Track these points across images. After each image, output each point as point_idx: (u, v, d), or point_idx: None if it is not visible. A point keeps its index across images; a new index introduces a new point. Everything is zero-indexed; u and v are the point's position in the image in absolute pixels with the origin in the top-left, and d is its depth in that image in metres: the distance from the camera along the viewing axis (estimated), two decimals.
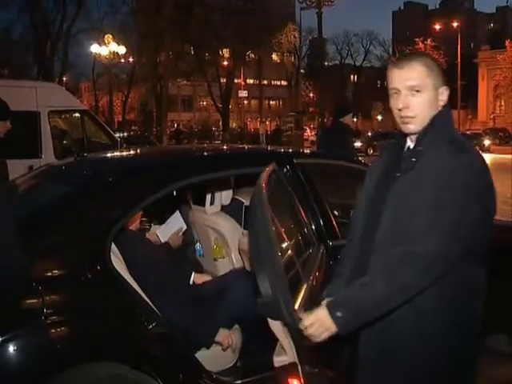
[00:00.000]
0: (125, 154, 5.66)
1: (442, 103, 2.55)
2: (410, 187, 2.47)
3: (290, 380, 3.34)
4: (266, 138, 39.57)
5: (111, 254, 3.33)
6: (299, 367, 3.17)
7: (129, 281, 3.39)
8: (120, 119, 63.34)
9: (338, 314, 2.42)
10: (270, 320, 3.21)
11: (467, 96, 70.30)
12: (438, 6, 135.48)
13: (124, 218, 3.51)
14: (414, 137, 2.59)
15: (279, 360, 3.36)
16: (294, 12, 66.16)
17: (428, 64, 2.53)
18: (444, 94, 2.56)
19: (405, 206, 2.48)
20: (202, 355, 3.72)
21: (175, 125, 70.44)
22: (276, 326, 3.22)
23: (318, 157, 4.98)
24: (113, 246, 3.42)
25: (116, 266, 3.32)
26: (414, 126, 2.54)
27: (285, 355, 3.36)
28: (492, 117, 69.36)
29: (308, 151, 5.20)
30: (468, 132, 49.58)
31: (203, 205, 4.99)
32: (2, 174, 5.31)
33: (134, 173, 3.88)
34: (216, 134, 59.05)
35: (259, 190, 3.13)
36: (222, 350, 3.90)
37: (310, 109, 75.62)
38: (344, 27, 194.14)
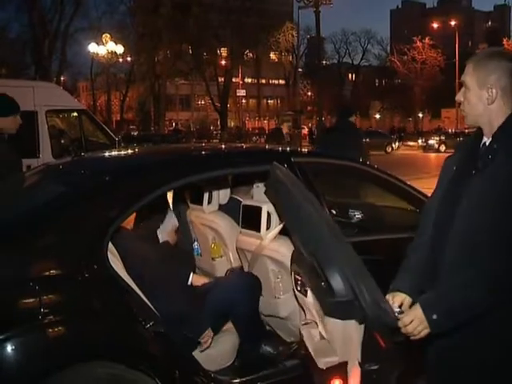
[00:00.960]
0: (122, 153, 5.65)
1: (488, 102, 2.63)
2: (485, 185, 2.54)
3: (332, 381, 3.33)
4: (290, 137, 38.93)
5: (108, 253, 3.32)
6: (355, 367, 3.16)
7: (126, 280, 3.38)
8: (118, 118, 63.25)
9: (434, 316, 2.49)
10: (329, 320, 3.19)
11: None
12: (435, 5, 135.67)
13: (121, 217, 3.50)
14: (488, 133, 2.68)
15: (328, 361, 3.36)
16: (291, 11, 66.38)
17: (478, 63, 2.66)
18: (490, 94, 2.62)
19: (481, 203, 2.53)
20: (200, 354, 3.72)
21: (173, 124, 70.41)
22: (337, 326, 3.20)
23: (315, 155, 4.97)
24: (110, 245, 3.41)
25: (113, 265, 3.31)
26: (466, 120, 2.74)
27: (335, 356, 3.35)
28: None
29: (306, 150, 5.19)
30: (467, 130, 49.54)
31: (201, 204, 4.99)
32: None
33: (131, 172, 3.87)
34: (214, 133, 59.00)
35: (302, 189, 3.12)
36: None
37: (308, 108, 75.57)
38: (342, 26, 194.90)
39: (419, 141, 46.28)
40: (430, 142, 44.97)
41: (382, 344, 2.88)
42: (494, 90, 2.61)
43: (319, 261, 2.94)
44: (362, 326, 3.05)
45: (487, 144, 2.66)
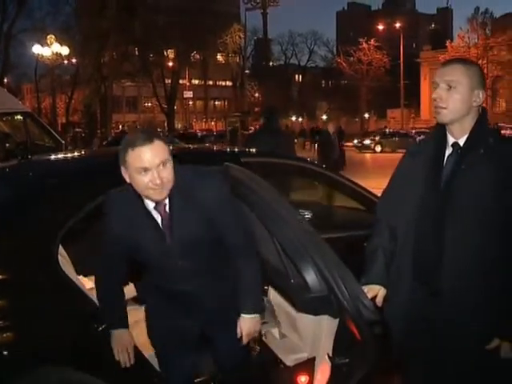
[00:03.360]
0: (69, 155, 5.59)
1: (475, 104, 2.84)
2: (487, 177, 2.70)
3: (298, 377, 3.34)
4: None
5: (59, 256, 3.29)
6: (323, 361, 3.17)
7: (77, 283, 3.35)
8: (64, 121, 62.29)
9: None
10: (300, 316, 3.18)
11: (410, 95, 71.44)
12: (380, 7, 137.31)
13: (71, 220, 3.46)
14: (460, 132, 2.85)
15: (297, 357, 3.36)
16: (238, 12, 66.50)
17: (468, 66, 2.84)
18: (478, 96, 2.84)
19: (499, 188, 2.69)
20: (153, 356, 3.70)
21: (120, 126, 69.71)
22: (308, 323, 3.20)
23: (263, 156, 5.00)
24: (60, 247, 3.37)
25: (64, 268, 3.28)
26: (443, 117, 2.86)
27: (303, 352, 3.35)
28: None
29: (254, 150, 5.21)
30: (413, 130, 49.93)
31: None
32: None
33: (79, 174, 3.84)
34: (162, 135, 58.59)
35: (267, 186, 3.12)
36: None
37: (256, 109, 75.62)
38: (289, 27, 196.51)
39: (354, 141, 45.54)
40: (366, 142, 44.61)
41: (358, 337, 2.91)
42: (481, 94, 2.83)
43: (292, 258, 2.96)
44: (336, 320, 3.08)
45: (464, 141, 2.83)
